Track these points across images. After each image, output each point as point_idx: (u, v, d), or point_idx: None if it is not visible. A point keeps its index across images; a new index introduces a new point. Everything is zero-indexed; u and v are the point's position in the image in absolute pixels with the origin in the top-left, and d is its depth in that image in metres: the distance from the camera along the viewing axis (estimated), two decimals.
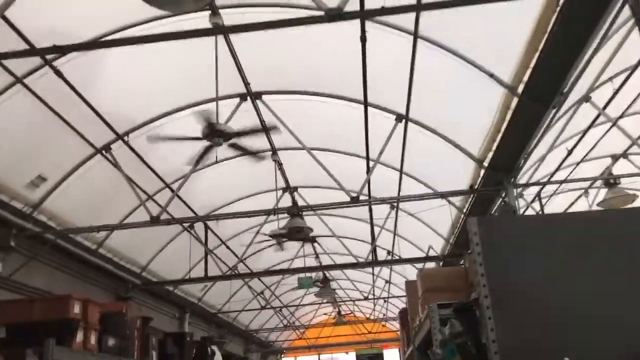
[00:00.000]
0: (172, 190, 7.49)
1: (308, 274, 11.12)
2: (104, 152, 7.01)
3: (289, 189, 9.53)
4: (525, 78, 5.01)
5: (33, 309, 6.03)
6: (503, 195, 6.44)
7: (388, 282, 14.98)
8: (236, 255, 10.49)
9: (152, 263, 10.23)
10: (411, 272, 11.61)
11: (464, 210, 8.13)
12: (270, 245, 10.67)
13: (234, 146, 5.83)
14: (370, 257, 10.30)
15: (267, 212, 7.66)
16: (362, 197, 6.81)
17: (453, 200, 8.14)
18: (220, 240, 10.68)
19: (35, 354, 5.22)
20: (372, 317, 19.67)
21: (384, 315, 19.16)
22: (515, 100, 5.33)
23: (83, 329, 6.21)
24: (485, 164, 6.58)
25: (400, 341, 10.56)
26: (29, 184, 6.64)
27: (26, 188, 6.66)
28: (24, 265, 6.83)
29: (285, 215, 9.68)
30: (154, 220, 6.61)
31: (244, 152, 6.06)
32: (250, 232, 10.47)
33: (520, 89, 5.18)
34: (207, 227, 9.90)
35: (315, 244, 12.38)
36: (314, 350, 22.75)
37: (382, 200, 7.54)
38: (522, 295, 2.48)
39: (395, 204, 9.78)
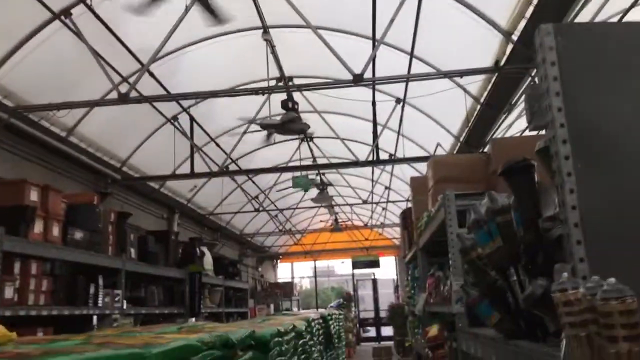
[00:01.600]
0: (142, 64, 6.44)
1: (303, 173, 10.34)
2: (62, 17, 5.93)
3: (284, 78, 8.50)
4: None
5: None
6: (533, 74, 5.45)
7: (388, 188, 14.33)
8: (225, 152, 9.66)
9: (134, 158, 9.41)
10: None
11: (481, 100, 7.17)
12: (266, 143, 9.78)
13: (203, 3, 4.73)
14: (370, 157, 9.51)
15: (255, 91, 6.69)
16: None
17: (470, 89, 7.15)
18: (208, 135, 9.81)
19: None
20: (369, 225, 19.33)
21: (381, 223, 18.78)
22: None
23: (43, 218, 5.46)
24: (515, 36, 5.53)
25: (400, 246, 10.04)
26: None
27: None
28: None
29: (280, 112, 8.76)
30: (122, 99, 5.65)
31: (214, 15, 4.94)
32: (240, 131, 9.57)
33: None
34: (192, 119, 8.99)
35: (313, 146, 11.55)
36: (310, 257, 22.66)
37: (387, 80, 6.54)
38: (618, 139, 1.61)
39: (402, 100, 8.81)
